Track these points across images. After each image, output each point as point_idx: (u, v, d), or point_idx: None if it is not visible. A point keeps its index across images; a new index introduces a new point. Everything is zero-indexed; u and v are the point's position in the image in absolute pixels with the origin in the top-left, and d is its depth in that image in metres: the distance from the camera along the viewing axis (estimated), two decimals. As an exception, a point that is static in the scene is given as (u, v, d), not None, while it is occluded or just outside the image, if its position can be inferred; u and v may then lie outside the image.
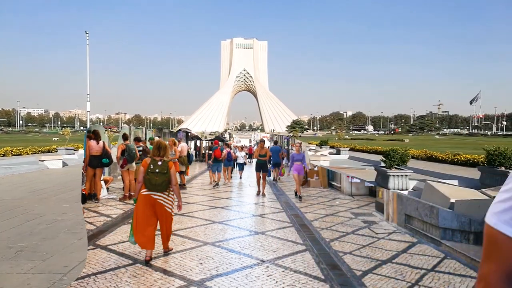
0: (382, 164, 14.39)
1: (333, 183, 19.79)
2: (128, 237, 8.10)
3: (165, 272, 6.97)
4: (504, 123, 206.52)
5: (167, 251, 8.06)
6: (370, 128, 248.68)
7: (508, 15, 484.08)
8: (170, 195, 7.84)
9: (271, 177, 23.01)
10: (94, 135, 14.04)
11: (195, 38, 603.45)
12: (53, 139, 76.05)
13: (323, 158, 26.04)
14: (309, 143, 49.33)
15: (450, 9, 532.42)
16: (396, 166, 13.99)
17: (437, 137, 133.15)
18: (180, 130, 40.16)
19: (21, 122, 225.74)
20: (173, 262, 7.51)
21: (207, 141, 47.68)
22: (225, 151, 21.77)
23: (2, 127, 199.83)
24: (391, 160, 13.98)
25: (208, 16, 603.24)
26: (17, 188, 16.16)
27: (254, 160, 18.85)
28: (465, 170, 18.92)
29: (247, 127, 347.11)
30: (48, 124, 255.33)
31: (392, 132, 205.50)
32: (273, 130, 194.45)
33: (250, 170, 28.55)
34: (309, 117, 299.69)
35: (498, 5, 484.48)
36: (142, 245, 7.56)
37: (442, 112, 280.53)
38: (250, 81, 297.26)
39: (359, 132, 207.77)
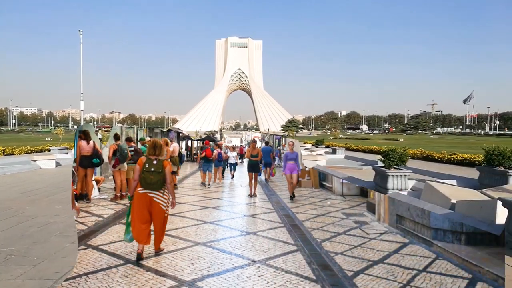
0: (380, 163, 14.36)
1: (324, 183, 19.78)
2: (124, 235, 8.17)
3: (156, 272, 6.95)
4: (497, 122, 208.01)
5: (158, 251, 8.05)
6: (364, 127, 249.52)
7: (501, 15, 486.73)
8: (165, 193, 8.00)
9: (262, 177, 22.99)
10: (84, 135, 13.98)
11: (190, 37, 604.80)
12: (46, 138, 75.47)
13: (319, 158, 26.14)
14: (304, 143, 49.41)
15: (441, 8, 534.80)
16: (395, 166, 13.97)
17: (431, 136, 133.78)
18: (171, 130, 40.05)
19: (13, 121, 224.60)
20: (164, 262, 7.49)
21: (198, 141, 47.64)
22: (215, 152, 21.83)
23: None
24: (390, 160, 13.96)
25: (203, 15, 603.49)
26: (9, 188, 16.07)
27: (246, 160, 18.81)
28: (462, 170, 19.01)
29: (242, 127, 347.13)
30: (41, 124, 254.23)
31: (387, 131, 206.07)
32: (268, 130, 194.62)
33: (241, 170, 28.55)
34: (304, 117, 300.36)
35: (491, 5, 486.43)
36: (137, 239, 7.79)
37: (436, 111, 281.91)
38: (245, 80, 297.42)
39: (354, 132, 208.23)
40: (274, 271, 7.08)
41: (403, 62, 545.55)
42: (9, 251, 7.76)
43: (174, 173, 18.51)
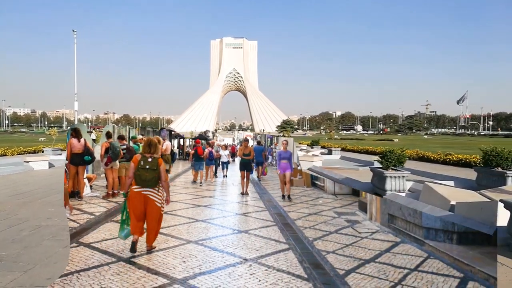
0: (377, 164, 14.32)
1: (316, 182, 19.78)
2: (118, 232, 8.27)
3: (148, 270, 6.94)
4: (491, 123, 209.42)
5: (150, 249, 8.05)
6: (359, 128, 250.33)
7: (492, 16, 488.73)
8: (159, 190, 8.14)
9: (254, 175, 22.97)
10: (75, 133, 13.98)
11: (186, 38, 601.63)
12: (40, 139, 75.14)
13: (315, 159, 26.16)
14: (299, 143, 49.42)
15: (436, 9, 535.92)
16: (393, 167, 13.92)
17: (426, 137, 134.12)
18: (163, 128, 40.04)
19: (7, 122, 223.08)
20: (156, 260, 7.48)
21: (190, 140, 47.66)
22: (206, 150, 21.87)
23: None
24: (387, 161, 13.90)
25: (199, 15, 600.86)
26: (0, 191, 15.97)
27: (238, 159, 18.76)
28: (458, 170, 19.08)
29: (237, 127, 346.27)
30: (34, 124, 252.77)
31: (381, 132, 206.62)
32: (263, 130, 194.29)
33: (233, 169, 28.52)
34: (299, 117, 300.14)
35: (487, 5, 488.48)
36: (133, 232, 8.03)
37: (430, 112, 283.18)
38: (240, 81, 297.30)
39: (349, 132, 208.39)
40: (266, 270, 7.08)
41: (398, 63, 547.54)
42: (-1, 256, 7.67)
43: (167, 171, 18.47)
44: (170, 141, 31.76)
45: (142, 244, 8.14)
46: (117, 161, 15.09)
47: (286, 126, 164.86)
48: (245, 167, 17.19)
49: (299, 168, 21.81)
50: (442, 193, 10.71)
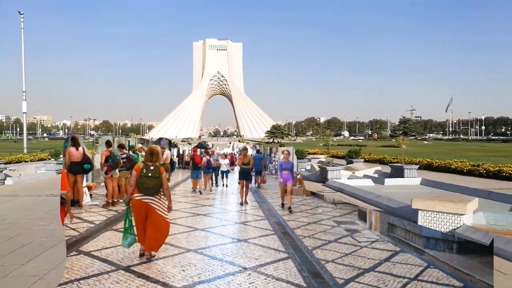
0: None
1: (315, 191, 19.75)
2: (122, 241, 8.39)
3: (147, 278, 6.93)
4: (483, 127, 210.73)
5: (149, 258, 8.05)
6: (346, 133, 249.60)
7: (491, 21, 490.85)
8: (161, 198, 8.30)
9: (253, 184, 22.96)
10: (73, 142, 14.11)
11: (167, 40, 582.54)
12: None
13: (381, 189, 19.48)
14: (314, 152, 45.48)
15: (414, 14, 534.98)
16: None
17: (426, 142, 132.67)
18: (162, 138, 40.07)
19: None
20: (155, 269, 7.48)
21: (190, 149, 47.82)
22: (204, 159, 21.92)
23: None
24: None
25: (179, 16, 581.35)
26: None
27: (237, 168, 18.70)
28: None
29: (221, 133, 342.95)
30: (8, 131, 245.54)
31: (370, 137, 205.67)
32: (245, 136, 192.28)
33: (232, 178, 28.51)
34: (285, 123, 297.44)
35: (478, 10, 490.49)
36: (140, 241, 8.32)
37: (415, 117, 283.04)
38: (225, 84, 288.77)
39: (339, 138, 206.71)
40: (265, 278, 7.07)
41: (381, 69, 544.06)
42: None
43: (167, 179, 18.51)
44: (170, 150, 31.84)
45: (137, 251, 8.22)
46: (117, 170, 15.14)
47: (276, 132, 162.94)
48: (245, 176, 17.08)
49: (298, 177, 21.77)
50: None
